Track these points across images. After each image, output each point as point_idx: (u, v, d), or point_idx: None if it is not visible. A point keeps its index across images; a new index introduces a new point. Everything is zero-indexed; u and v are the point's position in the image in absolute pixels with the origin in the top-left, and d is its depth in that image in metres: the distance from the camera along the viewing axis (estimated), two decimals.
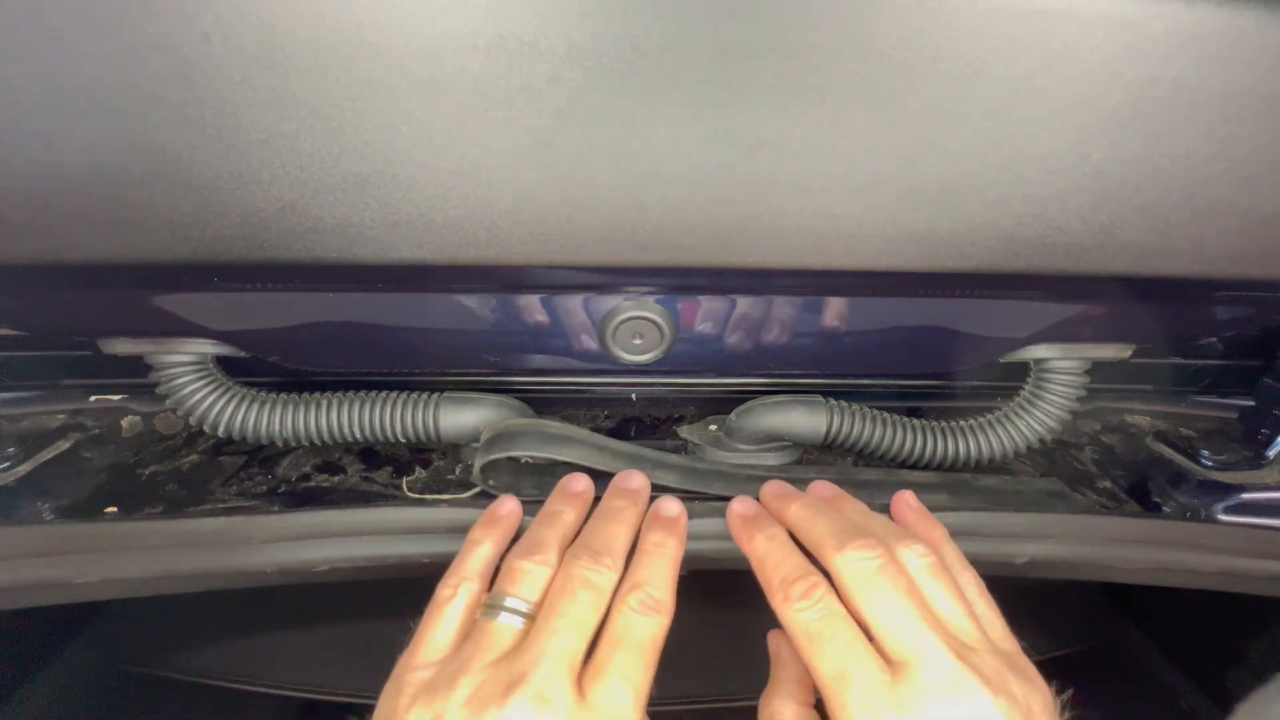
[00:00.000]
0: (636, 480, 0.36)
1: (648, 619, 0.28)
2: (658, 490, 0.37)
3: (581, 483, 0.37)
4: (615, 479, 0.37)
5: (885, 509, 0.37)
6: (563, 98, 0.26)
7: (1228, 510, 0.44)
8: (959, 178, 0.29)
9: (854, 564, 0.28)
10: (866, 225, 0.30)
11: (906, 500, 0.36)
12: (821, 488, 0.37)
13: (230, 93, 0.25)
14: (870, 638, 0.27)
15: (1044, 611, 0.77)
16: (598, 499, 0.36)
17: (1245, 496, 0.44)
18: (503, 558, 0.32)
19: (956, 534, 0.38)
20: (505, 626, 0.27)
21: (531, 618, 0.28)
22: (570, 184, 0.28)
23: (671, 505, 0.35)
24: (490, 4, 0.24)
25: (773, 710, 0.30)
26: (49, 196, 0.28)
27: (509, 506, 0.36)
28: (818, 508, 0.33)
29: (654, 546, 0.32)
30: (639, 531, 0.33)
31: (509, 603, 0.28)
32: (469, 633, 0.28)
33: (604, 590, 0.29)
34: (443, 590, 0.30)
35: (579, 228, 0.30)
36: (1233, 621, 0.63)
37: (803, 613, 0.27)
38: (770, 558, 0.30)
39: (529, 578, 0.29)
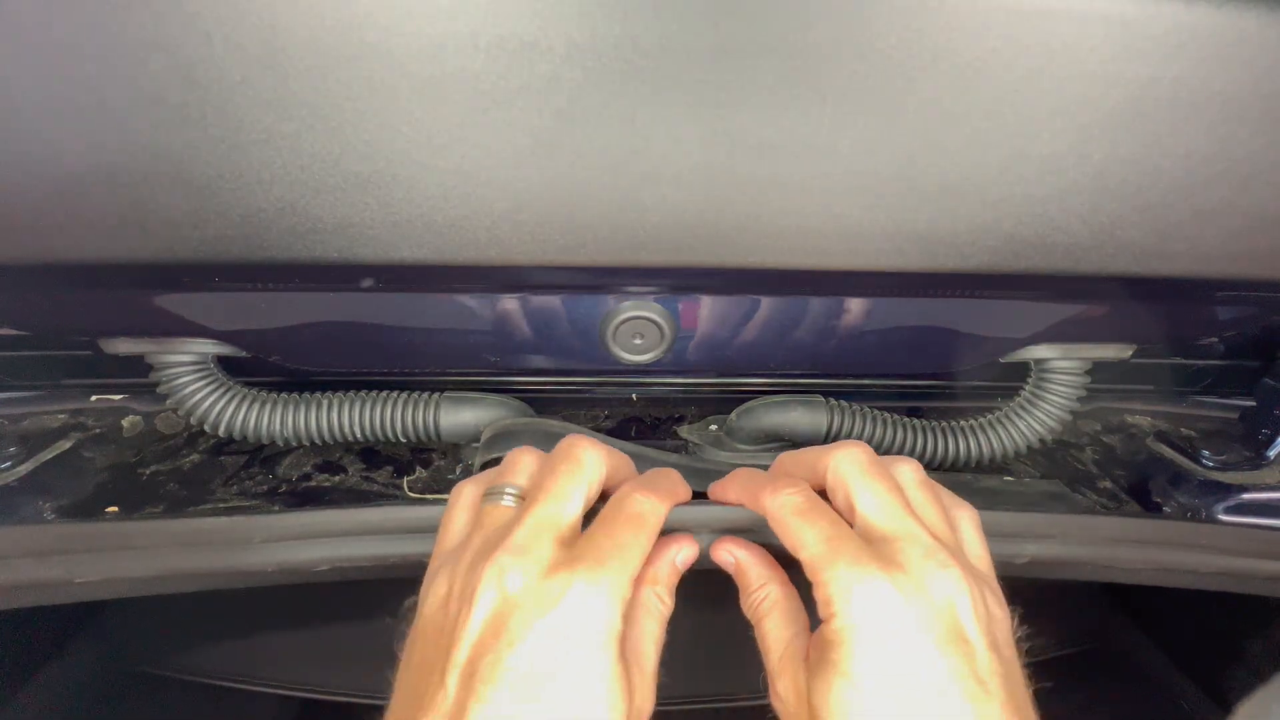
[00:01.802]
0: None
1: (642, 495, 0.28)
2: None
3: None
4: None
5: None
6: (563, 98, 0.26)
7: (1228, 510, 0.44)
8: (959, 178, 0.29)
9: (849, 457, 0.29)
10: (866, 225, 0.30)
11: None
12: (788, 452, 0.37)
13: (231, 93, 0.25)
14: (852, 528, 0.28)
15: (1044, 611, 0.76)
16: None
17: (1246, 497, 0.44)
18: None
19: None
20: (503, 508, 0.29)
21: (525, 498, 0.29)
22: (570, 184, 0.28)
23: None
24: (490, 4, 0.24)
25: (761, 595, 0.31)
26: (50, 196, 0.28)
27: None
28: (798, 452, 0.33)
29: (660, 469, 0.32)
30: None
31: (506, 488, 0.30)
32: (476, 517, 0.30)
33: (587, 464, 0.29)
34: (452, 494, 0.32)
35: (579, 228, 0.30)
36: (1233, 621, 0.63)
37: (790, 498, 0.28)
38: (756, 477, 0.31)
39: (523, 464, 0.31)
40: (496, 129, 0.27)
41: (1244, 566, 0.42)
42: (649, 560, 0.30)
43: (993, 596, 0.28)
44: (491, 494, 0.30)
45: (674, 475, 0.32)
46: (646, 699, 0.28)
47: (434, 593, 0.27)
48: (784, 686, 0.28)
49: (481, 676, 0.23)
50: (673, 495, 0.31)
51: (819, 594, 0.26)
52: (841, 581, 0.25)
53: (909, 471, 0.30)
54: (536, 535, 0.26)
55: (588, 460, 0.29)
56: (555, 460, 0.29)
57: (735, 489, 0.32)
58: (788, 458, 0.33)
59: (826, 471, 0.30)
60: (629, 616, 0.28)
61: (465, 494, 0.31)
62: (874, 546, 0.27)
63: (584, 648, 0.24)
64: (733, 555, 0.33)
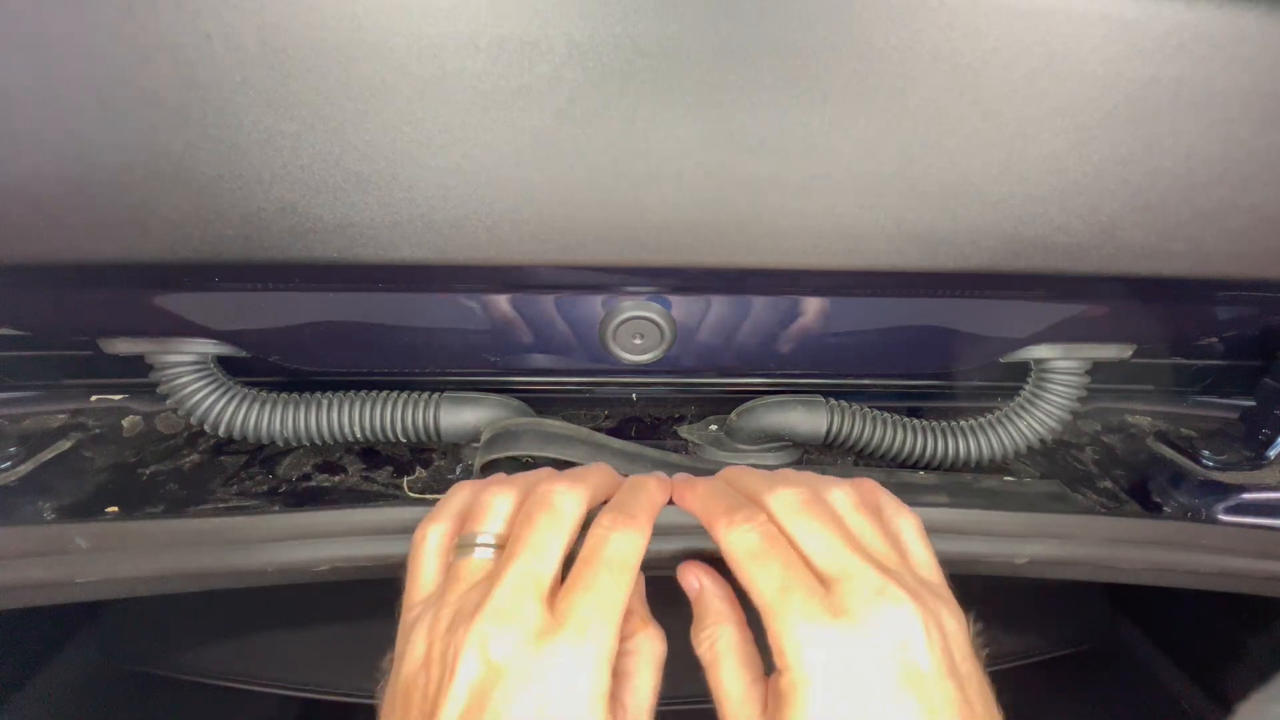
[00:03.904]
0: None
1: (620, 534, 0.28)
2: None
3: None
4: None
5: None
6: (563, 98, 0.26)
7: (1228, 510, 0.44)
8: (959, 178, 0.29)
9: (783, 500, 0.29)
10: (866, 225, 0.30)
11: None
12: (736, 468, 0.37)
13: (231, 93, 0.25)
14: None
15: (1044, 611, 0.77)
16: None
17: (1246, 497, 0.44)
18: None
19: (957, 534, 0.38)
20: (477, 561, 0.28)
21: (501, 548, 0.29)
22: (570, 184, 0.28)
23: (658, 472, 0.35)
24: (491, 4, 0.24)
25: (714, 636, 0.31)
26: (50, 196, 0.28)
27: None
28: (746, 469, 0.34)
29: (634, 481, 0.32)
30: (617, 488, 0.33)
31: (477, 538, 0.29)
32: (449, 569, 0.29)
33: (565, 511, 0.29)
34: (415, 535, 0.31)
35: (579, 228, 0.30)
36: (1233, 621, 0.63)
37: (746, 534, 0.28)
38: (713, 495, 0.31)
39: (492, 510, 0.30)
40: (496, 129, 0.27)
41: (1244, 566, 0.41)
42: (636, 603, 0.31)
43: (946, 609, 0.28)
44: (464, 545, 0.29)
45: (649, 488, 0.32)
46: None
47: (412, 652, 0.27)
48: None
49: None
50: (651, 513, 0.30)
51: (772, 642, 0.26)
52: (793, 633, 0.26)
53: (842, 497, 0.30)
54: (519, 596, 0.26)
55: (566, 507, 0.29)
56: (533, 508, 0.29)
57: (696, 503, 0.32)
58: (733, 477, 0.33)
59: (765, 510, 0.30)
60: (625, 670, 0.29)
61: (431, 538, 0.30)
62: (825, 589, 0.27)
63: (573, 716, 0.24)
64: (698, 581, 0.33)
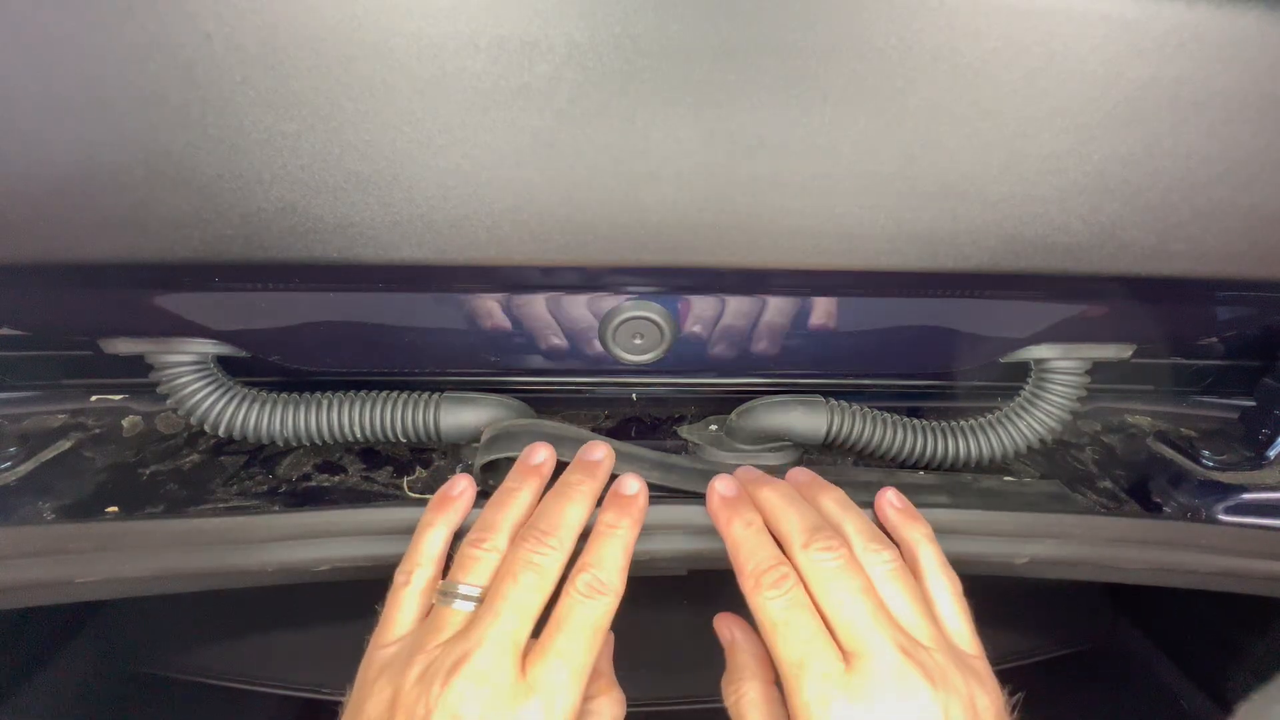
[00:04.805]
0: (599, 451, 0.36)
1: (592, 601, 0.29)
2: (657, 490, 0.37)
3: (541, 453, 0.36)
4: (580, 449, 0.37)
5: None
6: (563, 98, 0.26)
7: (1228, 510, 0.43)
8: (959, 178, 0.29)
9: (816, 562, 0.30)
10: (866, 225, 0.30)
11: (889, 499, 0.37)
12: (798, 474, 0.38)
13: (231, 93, 0.25)
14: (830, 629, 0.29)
15: (1044, 611, 0.77)
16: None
17: (1246, 497, 0.44)
18: (459, 537, 0.34)
19: (957, 534, 0.38)
20: (457, 612, 0.29)
21: (482, 601, 0.30)
22: (570, 184, 0.28)
23: (631, 483, 0.35)
24: (491, 4, 0.24)
25: (741, 691, 0.32)
26: (49, 196, 0.28)
27: (460, 486, 0.36)
28: (790, 497, 0.33)
29: (607, 527, 0.32)
30: (597, 507, 0.34)
31: (460, 589, 0.30)
32: (427, 614, 0.30)
33: (547, 570, 0.30)
34: (398, 576, 0.32)
35: (579, 228, 0.30)
36: (1233, 621, 0.63)
37: (772, 601, 0.29)
38: (745, 544, 0.31)
39: (479, 564, 0.30)
40: (496, 129, 0.27)
41: (1244, 566, 0.42)
42: (604, 664, 0.32)
43: (981, 687, 0.28)
44: (446, 594, 0.30)
45: (624, 540, 0.32)
46: None
47: (379, 695, 0.27)
48: None
49: None
50: (624, 566, 0.31)
51: (789, 711, 0.27)
52: (808, 708, 0.26)
53: (880, 563, 0.30)
54: (498, 657, 0.26)
55: (548, 565, 0.30)
56: (516, 566, 0.29)
57: (730, 545, 0.32)
58: (775, 511, 0.33)
59: (796, 567, 0.30)
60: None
61: (415, 580, 0.31)
62: (846, 664, 0.27)
63: None
64: (730, 634, 0.34)
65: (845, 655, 0.27)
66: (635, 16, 0.24)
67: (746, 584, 0.30)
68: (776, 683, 0.31)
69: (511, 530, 0.32)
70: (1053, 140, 0.28)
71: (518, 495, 0.34)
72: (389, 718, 0.26)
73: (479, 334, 0.41)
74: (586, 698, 0.30)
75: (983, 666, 0.29)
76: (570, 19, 0.24)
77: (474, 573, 0.30)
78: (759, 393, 0.46)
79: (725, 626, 0.35)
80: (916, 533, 0.34)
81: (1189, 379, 0.54)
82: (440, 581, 0.32)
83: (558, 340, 0.42)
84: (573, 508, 0.33)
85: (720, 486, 0.35)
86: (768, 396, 0.45)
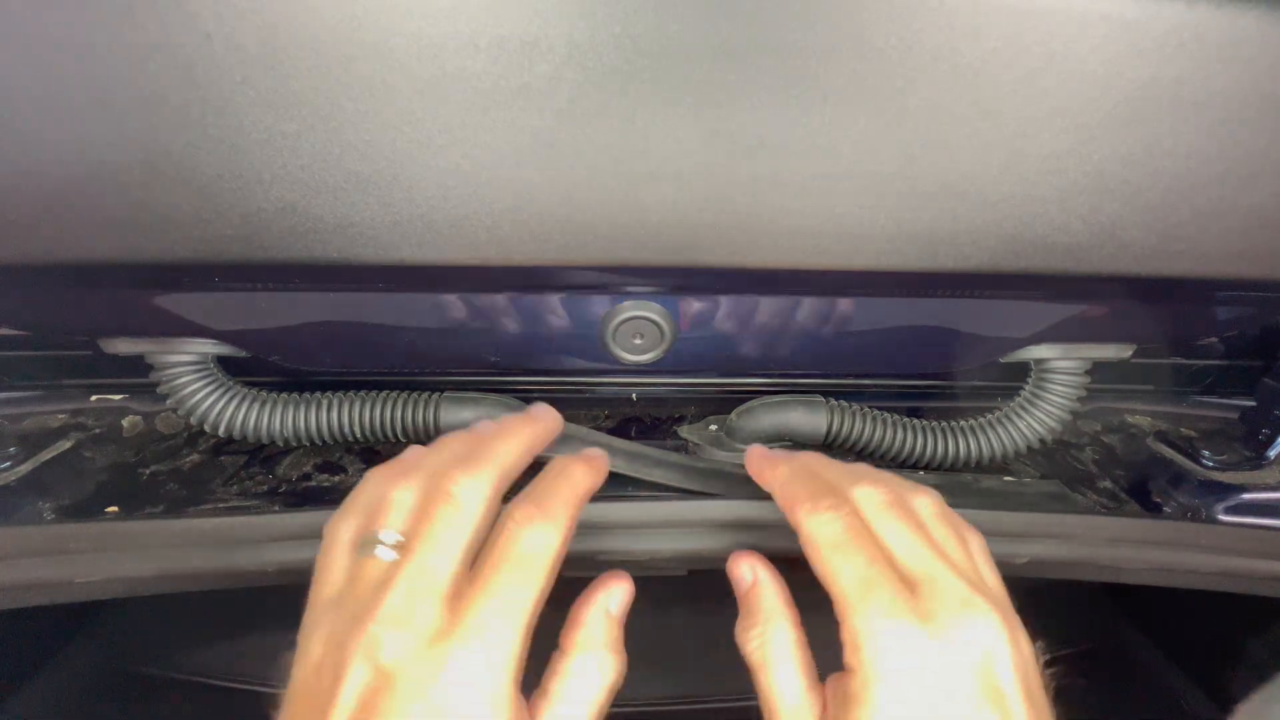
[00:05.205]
0: (544, 410, 0.34)
1: (530, 529, 0.26)
2: (657, 489, 0.37)
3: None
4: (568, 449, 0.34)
5: None
6: (563, 98, 0.26)
7: (1228, 510, 0.44)
8: (959, 178, 0.29)
9: (869, 495, 0.28)
10: (866, 225, 0.30)
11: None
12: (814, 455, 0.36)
13: (231, 93, 0.25)
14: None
15: (1044, 611, 0.76)
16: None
17: (1246, 497, 0.44)
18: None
19: None
20: (379, 561, 0.26)
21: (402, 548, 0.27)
22: (571, 184, 0.28)
23: (594, 450, 0.33)
24: (491, 4, 0.24)
25: (767, 635, 0.29)
26: (49, 196, 0.28)
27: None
28: (828, 459, 0.33)
29: (558, 466, 0.30)
30: (534, 455, 0.31)
31: (381, 536, 0.26)
32: (352, 569, 0.27)
33: (464, 503, 0.26)
34: (325, 532, 0.29)
35: (579, 228, 0.30)
36: (1233, 621, 0.63)
37: (831, 523, 0.27)
38: (796, 478, 0.30)
39: (395, 508, 0.27)
40: (496, 129, 0.27)
41: (1244, 566, 0.42)
42: (578, 623, 0.28)
43: (1023, 634, 0.26)
44: (365, 543, 0.26)
45: (573, 477, 0.29)
46: None
47: (308, 654, 0.25)
48: None
49: None
50: (571, 503, 0.28)
51: (846, 639, 0.25)
52: (873, 631, 0.24)
53: (928, 504, 0.30)
54: (413, 598, 0.24)
55: (466, 498, 0.26)
56: (430, 501, 0.26)
57: (776, 484, 0.31)
58: (815, 464, 0.32)
59: (848, 503, 0.29)
60: (552, 692, 0.26)
61: (341, 535, 0.28)
62: (909, 591, 0.25)
63: None
64: (752, 573, 0.31)
65: (908, 583, 0.26)
66: (635, 16, 0.24)
67: (800, 509, 0.28)
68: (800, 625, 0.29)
69: (431, 472, 0.28)
70: (1053, 140, 0.28)
71: (447, 441, 0.31)
72: (316, 676, 0.24)
73: (479, 334, 0.41)
74: (569, 653, 0.27)
75: (1018, 619, 0.28)
76: (570, 19, 0.24)
77: (390, 515, 0.27)
78: (759, 393, 0.46)
79: (744, 564, 0.31)
80: (935, 492, 0.33)
81: (1189, 379, 0.54)
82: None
83: (557, 340, 0.42)
84: (503, 443, 0.29)
85: (757, 450, 0.35)
86: (768, 396, 0.45)
